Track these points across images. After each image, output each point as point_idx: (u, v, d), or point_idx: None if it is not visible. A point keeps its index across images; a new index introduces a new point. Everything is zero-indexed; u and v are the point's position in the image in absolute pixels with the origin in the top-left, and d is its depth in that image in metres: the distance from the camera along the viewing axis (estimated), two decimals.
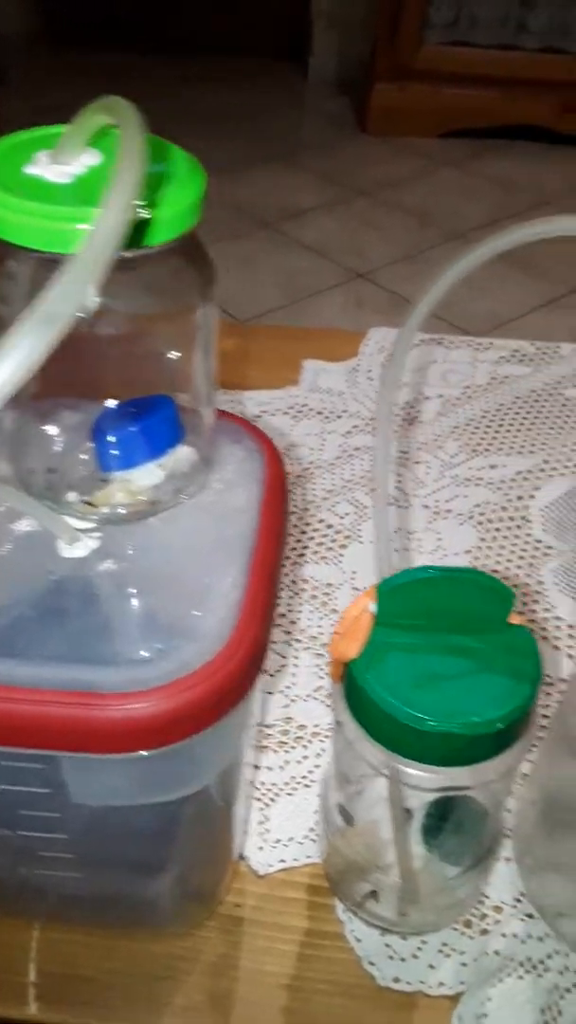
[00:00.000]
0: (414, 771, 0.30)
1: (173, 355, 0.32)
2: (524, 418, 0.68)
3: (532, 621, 0.53)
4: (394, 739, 0.30)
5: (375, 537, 0.32)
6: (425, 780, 0.30)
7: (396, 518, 0.58)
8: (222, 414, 0.36)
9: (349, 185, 2.38)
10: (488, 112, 2.47)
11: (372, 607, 0.31)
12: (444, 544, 0.57)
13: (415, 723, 0.28)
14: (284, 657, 0.50)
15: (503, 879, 0.41)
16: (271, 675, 0.49)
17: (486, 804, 0.38)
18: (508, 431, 0.67)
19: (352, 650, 0.30)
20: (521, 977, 0.37)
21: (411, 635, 0.31)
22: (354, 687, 0.30)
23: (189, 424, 0.33)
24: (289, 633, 0.51)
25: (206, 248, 0.30)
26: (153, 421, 0.31)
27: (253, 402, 0.68)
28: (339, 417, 0.67)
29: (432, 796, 0.39)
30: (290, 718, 0.47)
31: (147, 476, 0.32)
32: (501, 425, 0.67)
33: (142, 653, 0.28)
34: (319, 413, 0.68)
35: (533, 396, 0.70)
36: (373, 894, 0.38)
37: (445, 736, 0.28)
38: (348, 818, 0.36)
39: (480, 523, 0.59)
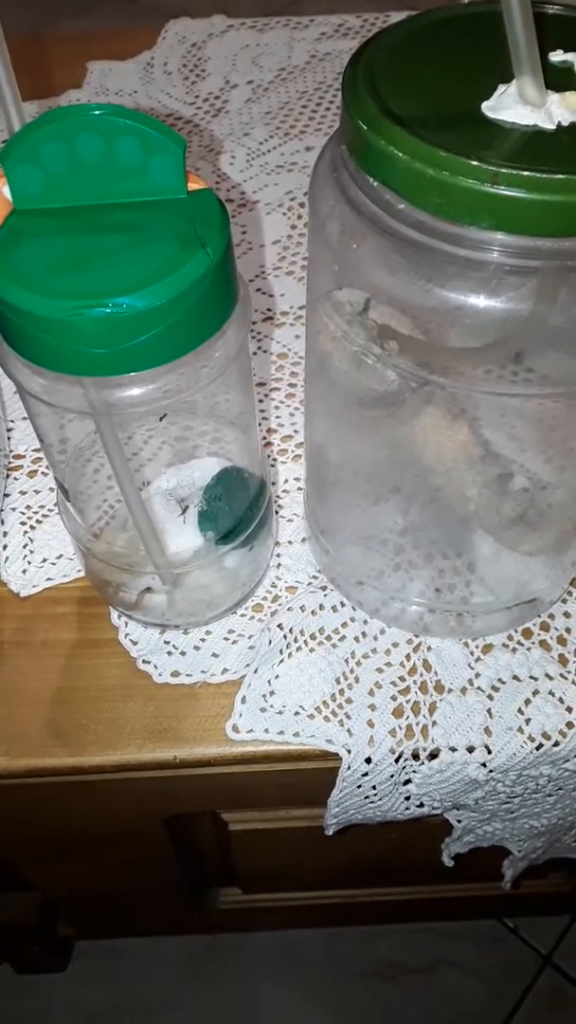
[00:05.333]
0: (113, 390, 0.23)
1: None
2: None
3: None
4: (47, 349, 0.23)
5: None
6: (125, 396, 0.24)
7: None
8: None
9: None
10: None
11: (5, 191, 0.24)
12: (249, 236, 0.49)
13: (57, 312, 0.21)
14: None
15: (298, 561, 0.36)
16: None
17: (251, 469, 0.33)
18: (328, 110, 0.57)
19: None
20: (313, 650, 0.33)
21: (57, 217, 0.23)
22: None
23: None
24: None
25: None
26: None
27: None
28: None
29: (208, 477, 0.34)
30: None
31: None
32: (319, 105, 0.57)
33: None
34: None
35: None
36: (148, 590, 0.34)
37: (100, 322, 0.22)
38: (64, 491, 0.31)
39: (291, 209, 0.50)
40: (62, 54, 0.63)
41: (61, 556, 0.36)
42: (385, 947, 0.77)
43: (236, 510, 0.33)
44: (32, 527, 0.37)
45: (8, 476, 0.39)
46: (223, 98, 0.58)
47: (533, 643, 0.33)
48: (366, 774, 0.31)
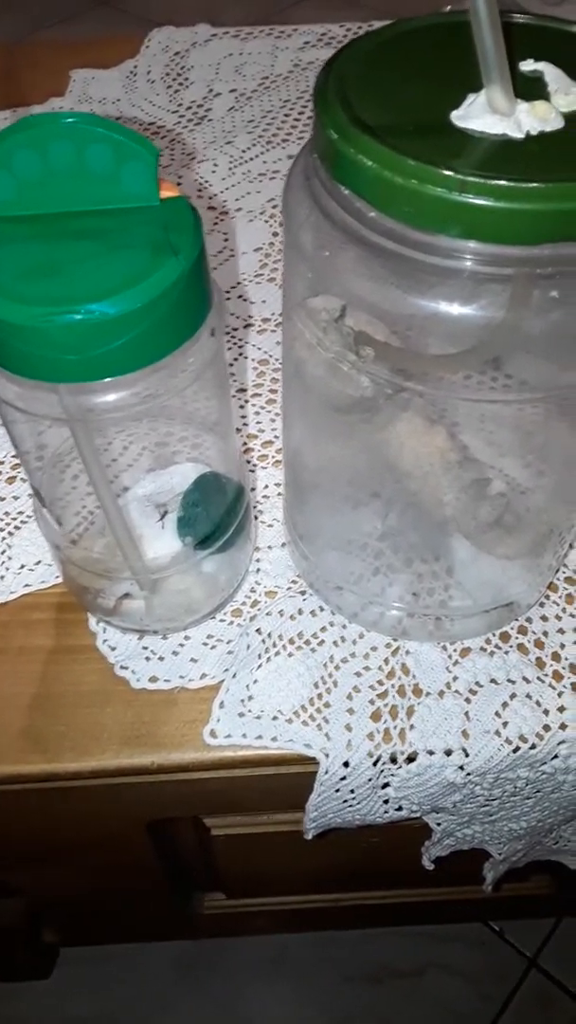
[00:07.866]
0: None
1: None
2: None
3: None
4: (20, 356, 0.23)
5: None
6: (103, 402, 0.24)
7: None
8: None
9: None
10: None
11: None
12: (231, 243, 0.49)
13: (29, 319, 0.22)
14: None
15: (277, 566, 0.36)
16: None
17: (229, 475, 0.33)
18: (310, 119, 0.57)
19: None
20: (291, 655, 0.33)
21: (29, 224, 0.23)
22: None
23: None
24: None
25: None
26: None
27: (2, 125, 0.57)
28: None
29: (185, 484, 0.34)
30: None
31: None
32: (302, 114, 0.57)
33: None
34: None
35: None
36: (126, 595, 0.33)
37: (71, 328, 0.22)
38: (40, 498, 0.31)
39: (272, 217, 0.51)
40: (46, 62, 0.63)
41: (39, 562, 0.36)
42: (375, 950, 0.77)
43: (214, 515, 0.33)
44: (10, 533, 0.37)
45: None
46: (206, 106, 0.58)
47: (511, 646, 0.34)
48: (344, 778, 0.31)
